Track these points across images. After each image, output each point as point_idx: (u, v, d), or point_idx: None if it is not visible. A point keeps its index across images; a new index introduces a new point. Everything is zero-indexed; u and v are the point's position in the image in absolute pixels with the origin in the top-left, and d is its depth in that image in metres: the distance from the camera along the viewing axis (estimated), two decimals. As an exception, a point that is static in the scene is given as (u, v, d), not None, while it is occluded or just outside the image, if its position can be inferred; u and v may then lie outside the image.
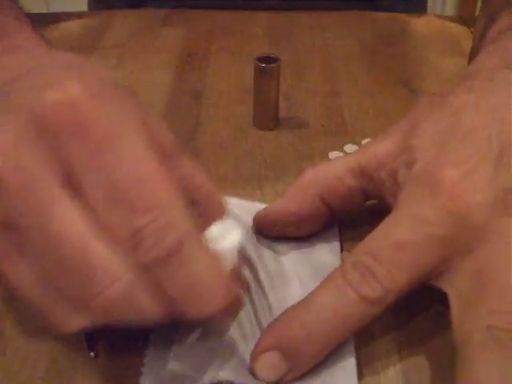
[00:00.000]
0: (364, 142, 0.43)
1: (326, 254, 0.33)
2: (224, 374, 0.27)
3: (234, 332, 0.29)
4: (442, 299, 0.28)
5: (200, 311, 0.24)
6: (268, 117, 0.45)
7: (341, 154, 0.42)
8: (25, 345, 0.29)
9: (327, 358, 0.27)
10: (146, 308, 0.24)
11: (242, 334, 0.29)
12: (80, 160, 0.23)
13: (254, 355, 0.27)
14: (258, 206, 0.35)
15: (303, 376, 0.27)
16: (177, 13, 0.64)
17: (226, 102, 0.49)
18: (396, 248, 0.27)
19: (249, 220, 0.34)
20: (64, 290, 0.23)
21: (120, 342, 0.29)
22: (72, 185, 0.23)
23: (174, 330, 0.29)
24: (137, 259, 0.23)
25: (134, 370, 0.28)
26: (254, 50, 0.46)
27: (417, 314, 0.31)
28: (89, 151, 0.23)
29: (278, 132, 0.45)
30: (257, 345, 0.27)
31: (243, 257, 0.32)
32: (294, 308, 0.28)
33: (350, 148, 0.43)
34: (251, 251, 0.33)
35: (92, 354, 0.28)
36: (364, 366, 0.28)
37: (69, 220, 0.23)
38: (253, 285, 0.31)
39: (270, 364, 0.27)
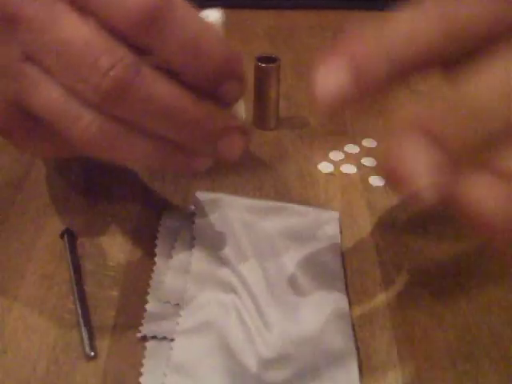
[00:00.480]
0: (364, 142, 0.43)
1: (326, 255, 0.33)
2: (222, 379, 0.27)
3: (235, 333, 0.29)
4: (442, 299, 0.28)
5: (200, 65, 0.26)
6: (268, 117, 0.45)
7: (341, 153, 0.42)
8: (25, 345, 0.29)
9: (328, 358, 0.27)
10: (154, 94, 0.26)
11: (245, 336, 0.29)
12: None
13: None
14: (258, 203, 0.35)
15: (304, 376, 0.27)
16: (177, 12, 0.64)
17: (226, 102, 0.49)
18: None
19: (250, 219, 0.34)
20: (74, 87, 0.26)
21: (120, 341, 0.29)
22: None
23: (173, 329, 0.29)
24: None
25: (134, 369, 0.28)
26: (254, 50, 0.46)
27: (416, 313, 0.31)
28: None
29: (278, 132, 0.45)
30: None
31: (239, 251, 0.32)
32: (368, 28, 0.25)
33: (350, 148, 0.43)
34: (249, 251, 0.32)
35: (92, 353, 0.28)
36: (364, 366, 0.28)
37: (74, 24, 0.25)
38: (249, 281, 0.31)
39: (334, 68, 0.24)
